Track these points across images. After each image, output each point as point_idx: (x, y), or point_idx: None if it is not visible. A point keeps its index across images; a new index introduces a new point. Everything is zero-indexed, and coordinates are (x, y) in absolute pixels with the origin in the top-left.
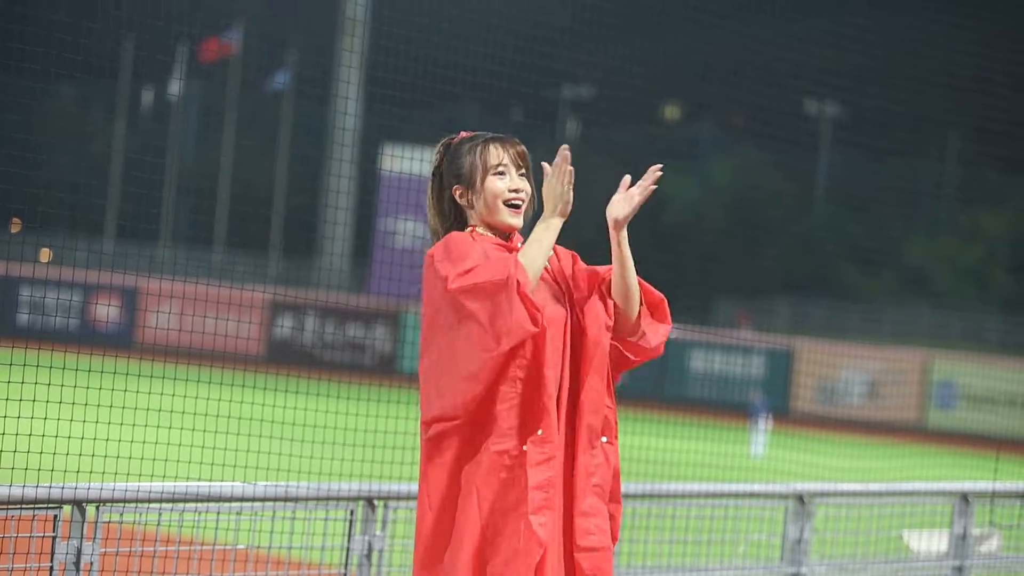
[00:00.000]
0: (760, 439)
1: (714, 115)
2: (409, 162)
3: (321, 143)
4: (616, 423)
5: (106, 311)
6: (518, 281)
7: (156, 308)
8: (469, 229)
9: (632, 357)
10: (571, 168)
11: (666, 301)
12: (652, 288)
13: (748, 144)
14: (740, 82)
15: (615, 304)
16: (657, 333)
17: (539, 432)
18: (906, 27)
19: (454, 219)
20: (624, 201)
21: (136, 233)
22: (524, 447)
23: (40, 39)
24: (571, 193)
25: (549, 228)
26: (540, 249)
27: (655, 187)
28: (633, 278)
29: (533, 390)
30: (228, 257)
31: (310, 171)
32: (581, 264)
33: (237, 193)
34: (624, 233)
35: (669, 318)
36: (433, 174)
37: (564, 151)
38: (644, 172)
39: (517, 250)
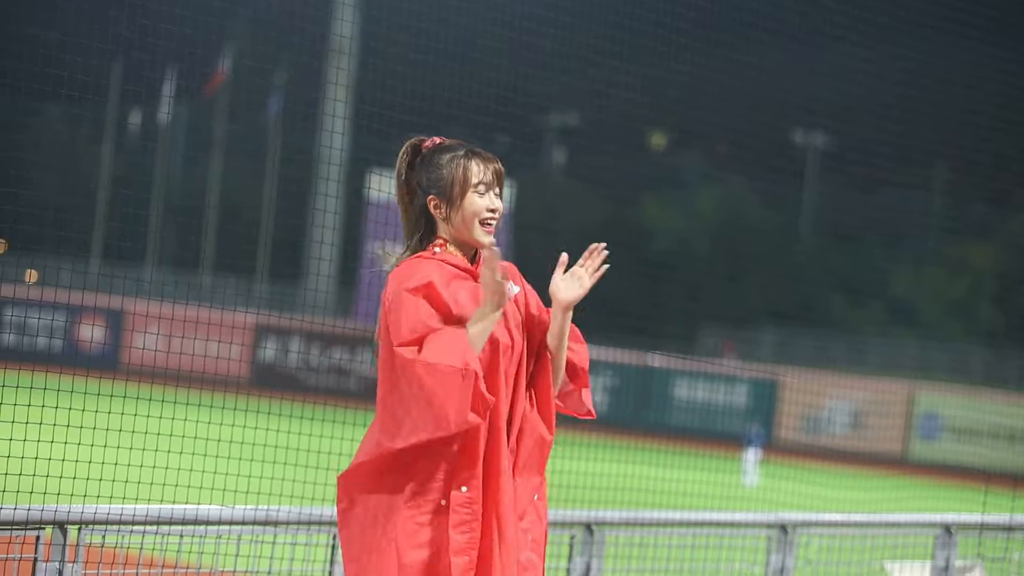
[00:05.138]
0: (751, 469)
1: (700, 144)
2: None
3: (309, 166)
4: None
5: (91, 332)
6: (476, 373)
7: (142, 330)
8: (437, 242)
9: (560, 404)
10: (504, 264)
11: (586, 369)
12: (574, 359)
13: (734, 173)
14: (727, 111)
15: None
16: (580, 401)
17: (463, 489)
18: (893, 58)
19: (424, 228)
20: (576, 284)
21: (122, 254)
22: (443, 502)
23: (26, 58)
24: (505, 285)
25: (489, 319)
26: (481, 340)
27: (607, 266)
28: (564, 357)
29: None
30: (214, 280)
31: (298, 194)
32: (535, 301)
33: (224, 215)
34: (570, 313)
35: (588, 381)
36: (401, 176)
37: (493, 248)
38: (628, 200)
39: (477, 276)
